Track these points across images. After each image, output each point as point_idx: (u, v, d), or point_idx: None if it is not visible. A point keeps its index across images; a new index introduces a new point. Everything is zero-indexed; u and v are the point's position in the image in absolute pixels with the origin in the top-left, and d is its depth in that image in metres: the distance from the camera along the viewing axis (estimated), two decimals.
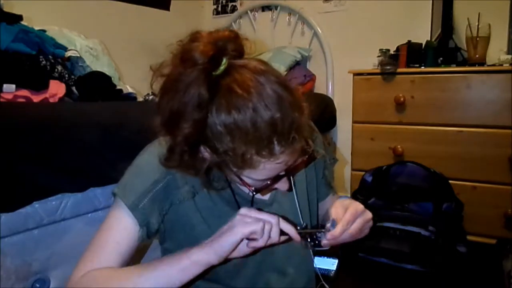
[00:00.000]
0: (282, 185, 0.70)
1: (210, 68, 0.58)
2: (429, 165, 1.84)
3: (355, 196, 1.94)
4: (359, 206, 0.71)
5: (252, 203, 0.76)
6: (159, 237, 0.81)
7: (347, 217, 0.68)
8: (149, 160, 0.73)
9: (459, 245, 1.70)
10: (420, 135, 1.98)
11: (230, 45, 0.61)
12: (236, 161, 0.61)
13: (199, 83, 0.57)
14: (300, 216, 0.82)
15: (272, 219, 0.65)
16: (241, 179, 0.66)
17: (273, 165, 0.62)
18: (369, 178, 1.93)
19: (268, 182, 0.67)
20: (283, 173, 0.67)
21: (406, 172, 1.85)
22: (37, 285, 0.99)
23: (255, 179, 0.66)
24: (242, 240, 0.64)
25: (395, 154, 2.02)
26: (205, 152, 0.64)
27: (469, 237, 1.79)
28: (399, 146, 2.01)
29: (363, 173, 1.98)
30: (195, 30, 0.65)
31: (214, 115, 0.58)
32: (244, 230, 0.63)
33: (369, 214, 0.72)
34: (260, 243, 0.64)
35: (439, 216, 1.71)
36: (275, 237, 0.65)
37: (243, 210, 0.66)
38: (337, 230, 0.67)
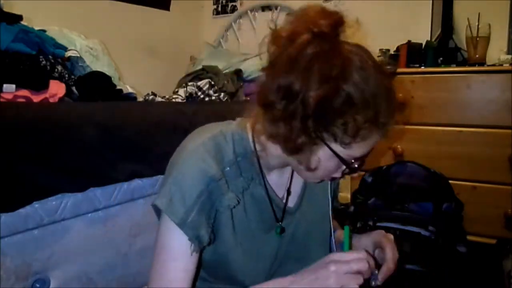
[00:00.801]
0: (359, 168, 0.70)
1: (335, 39, 0.62)
2: (429, 165, 1.84)
3: (355, 196, 1.94)
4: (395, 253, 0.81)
5: (284, 211, 0.77)
6: None
7: (391, 267, 0.79)
8: (191, 168, 0.68)
9: (459, 245, 1.70)
10: (420, 135, 1.98)
11: (341, 19, 0.65)
12: (353, 132, 0.61)
13: (332, 54, 0.60)
14: (330, 223, 0.83)
15: (362, 256, 0.65)
16: (338, 155, 0.64)
17: (378, 137, 0.64)
18: (369, 178, 1.92)
19: (356, 163, 0.67)
20: (366, 153, 0.67)
21: (406, 172, 1.85)
22: (37, 285, 0.99)
23: (352, 156, 0.65)
24: None
25: (395, 154, 2.02)
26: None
27: (469, 237, 1.79)
28: (399, 146, 2.01)
29: (363, 173, 1.98)
30: (304, 6, 0.65)
31: (341, 84, 0.59)
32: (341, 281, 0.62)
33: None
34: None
35: (439, 216, 1.71)
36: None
37: (333, 267, 0.62)
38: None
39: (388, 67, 0.67)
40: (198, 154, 0.68)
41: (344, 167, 0.67)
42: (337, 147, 0.63)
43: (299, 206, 0.81)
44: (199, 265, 0.73)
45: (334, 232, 0.87)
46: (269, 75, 0.64)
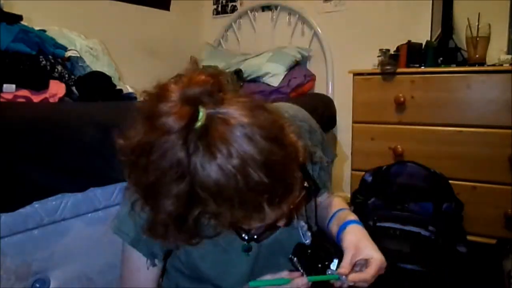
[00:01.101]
0: (281, 223, 0.64)
1: (186, 131, 0.49)
2: (429, 165, 1.84)
3: (355, 196, 1.94)
4: (383, 263, 0.71)
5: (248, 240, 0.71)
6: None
7: (368, 278, 0.69)
8: None
9: (459, 245, 1.70)
10: (420, 135, 1.98)
11: (205, 96, 0.51)
12: (224, 223, 0.56)
13: (176, 150, 0.49)
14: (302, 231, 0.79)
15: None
16: (232, 229, 0.62)
17: (259, 222, 0.56)
18: (369, 178, 1.92)
19: (263, 229, 0.64)
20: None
21: (406, 172, 1.85)
22: (37, 285, 0.99)
23: (248, 228, 0.63)
24: None
25: (395, 154, 2.02)
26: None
27: (469, 237, 1.79)
28: (399, 146, 2.01)
29: (363, 173, 1.98)
30: (161, 85, 0.55)
31: (195, 180, 0.50)
32: None
33: (384, 265, 0.72)
34: None
35: (439, 216, 1.71)
36: None
37: None
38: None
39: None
40: None
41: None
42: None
43: None
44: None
45: (334, 215, 0.84)
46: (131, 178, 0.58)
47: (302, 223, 0.76)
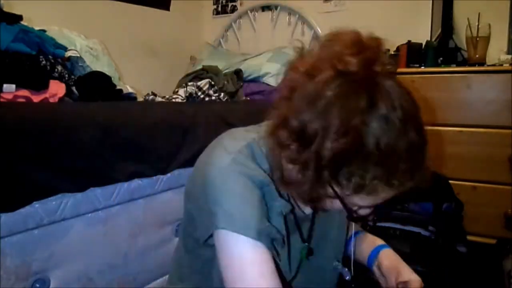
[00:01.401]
0: (369, 215, 0.64)
1: (364, 80, 0.51)
2: (429, 165, 1.84)
3: None
4: (421, 284, 0.78)
5: (312, 222, 0.72)
6: None
7: None
8: (239, 177, 0.61)
9: (459, 245, 1.70)
10: None
11: (377, 55, 0.54)
12: (356, 186, 0.54)
13: (360, 90, 0.51)
14: (346, 227, 0.80)
15: None
16: (343, 203, 0.59)
17: (391, 193, 0.57)
18: None
19: (364, 210, 0.61)
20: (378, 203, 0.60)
21: None
22: (37, 285, 0.99)
23: (358, 205, 0.60)
24: None
25: None
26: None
27: (469, 237, 1.79)
28: None
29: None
30: (334, 32, 0.56)
31: (359, 134, 0.51)
32: None
33: (422, 286, 0.77)
34: None
35: (439, 216, 1.71)
36: None
37: None
38: None
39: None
40: (239, 161, 0.62)
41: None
42: (341, 192, 0.57)
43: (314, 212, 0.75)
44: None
45: (356, 234, 0.86)
46: (283, 109, 0.57)
47: (337, 263, 0.78)
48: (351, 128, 0.50)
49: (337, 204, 0.60)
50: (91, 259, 1.11)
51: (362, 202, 0.59)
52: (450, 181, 1.83)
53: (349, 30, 0.56)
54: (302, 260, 0.72)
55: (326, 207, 0.63)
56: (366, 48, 0.54)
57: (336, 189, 0.56)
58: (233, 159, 0.62)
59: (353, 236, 0.87)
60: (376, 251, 0.82)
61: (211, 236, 0.62)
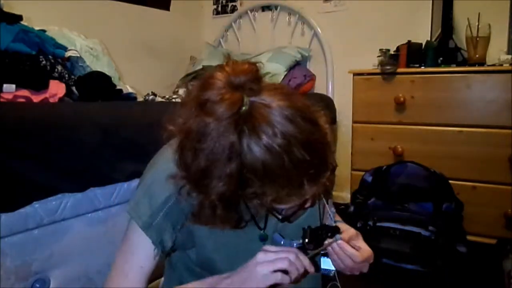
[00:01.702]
0: (308, 204, 0.68)
1: (236, 116, 0.53)
2: (429, 165, 1.84)
3: (355, 196, 1.94)
4: (372, 255, 0.78)
5: (266, 216, 0.74)
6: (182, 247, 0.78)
7: (358, 254, 0.73)
8: (159, 176, 0.69)
9: (459, 245, 1.70)
10: (420, 135, 1.98)
11: (249, 84, 0.56)
12: (265, 202, 0.58)
13: (228, 134, 0.53)
14: (319, 219, 0.81)
15: (295, 254, 0.65)
16: (268, 210, 0.65)
17: (300, 198, 0.61)
18: (369, 178, 1.92)
19: (296, 209, 0.66)
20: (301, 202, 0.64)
21: (406, 172, 1.85)
22: (37, 285, 0.99)
23: (282, 208, 0.65)
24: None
25: (395, 154, 2.02)
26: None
27: (469, 237, 1.79)
28: (399, 146, 2.01)
29: (363, 173, 1.98)
30: (207, 75, 0.58)
31: (246, 161, 0.54)
32: (268, 281, 0.62)
33: (372, 259, 0.78)
34: (291, 277, 0.64)
35: (439, 216, 1.71)
36: (304, 265, 0.65)
37: (260, 256, 0.64)
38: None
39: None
40: (168, 160, 0.66)
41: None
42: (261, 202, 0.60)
43: None
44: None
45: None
46: (181, 152, 0.60)
47: (330, 208, 0.80)
48: (230, 175, 0.54)
49: (261, 209, 0.63)
50: (91, 259, 1.11)
51: (284, 206, 0.63)
52: (450, 181, 1.83)
53: (220, 71, 0.57)
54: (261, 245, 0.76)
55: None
56: (235, 87, 0.55)
57: (255, 202, 0.60)
58: (164, 158, 0.70)
59: None
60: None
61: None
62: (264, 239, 0.76)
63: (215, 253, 0.73)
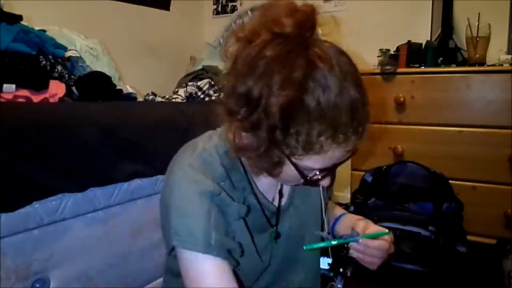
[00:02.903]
0: (326, 181, 0.66)
1: (299, 40, 0.54)
2: (429, 165, 1.84)
3: (355, 196, 1.94)
4: (391, 239, 0.77)
5: (278, 213, 0.75)
6: None
7: (383, 243, 0.74)
8: (187, 193, 0.64)
9: (459, 245, 1.70)
10: (420, 135, 1.98)
11: (310, 18, 0.57)
12: (304, 144, 0.56)
13: (294, 56, 0.53)
14: (323, 215, 0.81)
15: None
16: (296, 167, 0.61)
17: (340, 152, 0.59)
18: (369, 178, 1.92)
19: (319, 174, 0.63)
20: (331, 166, 0.62)
21: (406, 172, 1.85)
22: (37, 285, 0.99)
23: (312, 168, 0.61)
24: None
25: (395, 154, 2.02)
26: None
27: (469, 237, 1.79)
28: (399, 146, 2.01)
29: (363, 173, 1.98)
30: (269, 1, 0.59)
31: (300, 91, 0.53)
32: None
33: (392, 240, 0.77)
34: None
35: (439, 216, 1.71)
36: None
37: None
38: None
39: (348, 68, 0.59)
40: (188, 176, 0.65)
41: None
42: (293, 156, 0.59)
43: (290, 202, 0.79)
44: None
45: (339, 218, 0.88)
46: (229, 79, 0.59)
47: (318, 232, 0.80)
48: (292, 83, 0.53)
49: (293, 172, 0.61)
50: (91, 259, 1.11)
51: (314, 164, 0.60)
52: (450, 181, 1.83)
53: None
54: (273, 245, 0.76)
55: (284, 178, 0.65)
56: (300, 11, 0.56)
57: (287, 152, 0.58)
58: (183, 175, 0.65)
59: (337, 219, 0.89)
60: (339, 217, 0.88)
61: (172, 249, 0.65)
62: (276, 237, 0.76)
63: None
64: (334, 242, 0.70)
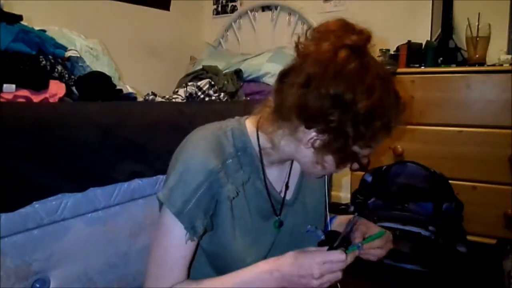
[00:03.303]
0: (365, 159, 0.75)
1: (362, 50, 0.67)
2: (429, 165, 1.84)
3: (355, 196, 1.94)
4: (390, 236, 0.84)
5: (282, 205, 0.81)
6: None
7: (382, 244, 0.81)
8: (192, 161, 0.72)
9: (459, 245, 1.70)
10: (420, 135, 1.98)
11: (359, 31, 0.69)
12: (370, 136, 0.66)
13: (366, 68, 0.65)
14: (327, 211, 0.88)
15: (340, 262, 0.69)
16: (356, 157, 0.71)
17: (386, 138, 0.69)
18: (369, 178, 1.92)
19: (366, 159, 0.74)
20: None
21: (406, 172, 1.85)
22: (37, 285, 0.99)
23: (362, 155, 0.71)
24: None
25: (395, 154, 2.02)
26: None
27: (469, 237, 1.79)
28: (399, 146, 2.01)
29: (363, 173, 1.98)
30: (322, 24, 0.70)
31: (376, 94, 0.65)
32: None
33: (391, 237, 0.85)
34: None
35: (439, 216, 1.71)
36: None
37: (317, 271, 0.68)
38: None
39: (388, 67, 0.71)
40: (199, 147, 0.73)
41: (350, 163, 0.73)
42: (355, 148, 0.69)
43: (296, 198, 0.85)
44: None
45: (333, 218, 0.92)
46: (313, 90, 0.65)
47: (310, 226, 0.85)
48: (375, 89, 0.65)
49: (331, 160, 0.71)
50: (91, 259, 1.11)
51: (367, 151, 0.71)
52: (450, 181, 1.83)
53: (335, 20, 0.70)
54: (276, 234, 0.82)
55: (327, 168, 0.74)
56: (354, 28, 0.69)
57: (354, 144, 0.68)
58: (195, 145, 0.75)
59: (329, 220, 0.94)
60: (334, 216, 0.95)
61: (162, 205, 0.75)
62: (280, 226, 0.81)
63: (234, 241, 0.76)
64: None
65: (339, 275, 0.69)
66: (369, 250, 0.79)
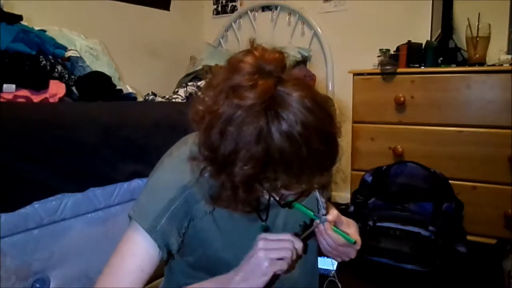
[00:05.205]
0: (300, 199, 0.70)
1: (267, 103, 0.56)
2: (429, 165, 1.84)
3: (355, 196, 1.94)
4: (360, 242, 0.75)
5: (267, 207, 0.75)
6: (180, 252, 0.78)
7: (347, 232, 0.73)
8: (164, 177, 0.71)
9: (459, 245, 1.70)
10: (420, 135, 1.98)
11: (277, 71, 0.59)
12: (275, 186, 0.61)
13: (258, 119, 0.55)
14: (319, 207, 0.81)
15: (293, 241, 0.65)
16: (272, 196, 0.66)
17: (304, 187, 0.62)
18: (369, 178, 1.92)
19: (299, 195, 0.68)
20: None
21: (406, 172, 1.85)
22: (37, 285, 0.99)
23: (287, 194, 0.66)
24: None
25: (395, 154, 2.02)
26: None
27: (469, 237, 1.79)
28: (399, 146, 2.01)
29: (363, 173, 1.98)
30: (235, 58, 0.60)
31: (271, 146, 0.56)
32: (273, 268, 0.63)
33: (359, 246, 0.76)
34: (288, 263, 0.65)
35: (439, 216, 1.71)
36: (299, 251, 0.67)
37: (261, 243, 0.64)
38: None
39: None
40: (172, 164, 0.71)
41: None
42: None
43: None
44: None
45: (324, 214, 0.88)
46: (199, 135, 0.62)
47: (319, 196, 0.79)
48: (259, 146, 0.56)
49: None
50: (91, 259, 1.11)
51: (291, 192, 0.65)
52: (450, 181, 1.83)
53: (250, 56, 0.59)
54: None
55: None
56: (265, 74, 0.57)
57: (265, 186, 0.62)
58: (168, 162, 0.73)
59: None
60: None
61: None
62: (266, 230, 0.77)
63: (223, 252, 0.73)
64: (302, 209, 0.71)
65: (288, 252, 0.64)
66: (329, 233, 0.72)
